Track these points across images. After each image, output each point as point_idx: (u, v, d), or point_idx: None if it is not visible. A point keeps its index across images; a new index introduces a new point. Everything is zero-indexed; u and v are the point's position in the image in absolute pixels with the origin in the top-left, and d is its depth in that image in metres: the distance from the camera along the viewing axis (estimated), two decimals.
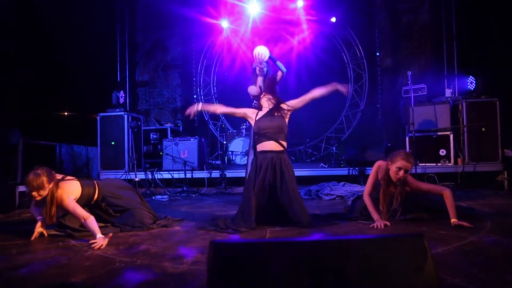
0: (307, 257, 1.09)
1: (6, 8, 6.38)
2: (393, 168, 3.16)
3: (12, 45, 6.62)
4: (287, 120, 3.52)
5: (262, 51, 4.30)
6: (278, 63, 4.66)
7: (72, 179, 3.24)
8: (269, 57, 4.55)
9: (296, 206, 3.27)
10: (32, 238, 3.08)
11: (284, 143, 3.46)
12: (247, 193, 3.38)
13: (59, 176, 3.20)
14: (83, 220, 3.02)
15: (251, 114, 3.54)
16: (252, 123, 3.53)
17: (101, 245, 2.82)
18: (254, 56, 4.30)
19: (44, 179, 2.95)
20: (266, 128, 3.41)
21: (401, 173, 3.11)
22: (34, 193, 2.97)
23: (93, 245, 2.78)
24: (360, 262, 1.13)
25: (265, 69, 4.71)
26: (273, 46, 9.47)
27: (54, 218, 3.05)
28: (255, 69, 4.76)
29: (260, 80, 4.62)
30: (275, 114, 3.47)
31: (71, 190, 3.14)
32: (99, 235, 2.90)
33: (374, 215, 3.23)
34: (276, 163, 3.35)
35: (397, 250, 1.14)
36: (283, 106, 3.52)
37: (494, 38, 6.59)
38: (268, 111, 3.49)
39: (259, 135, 3.45)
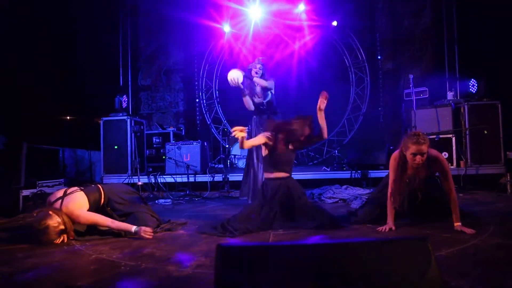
0: (312, 260, 1.11)
1: (6, 8, 6.42)
2: (408, 156, 2.95)
3: (16, 50, 6.68)
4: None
5: (235, 75, 4.48)
6: (255, 79, 4.82)
7: (75, 191, 3.24)
8: (244, 76, 4.77)
9: (318, 213, 3.41)
10: (59, 241, 3.10)
11: (291, 171, 3.63)
12: (251, 207, 3.56)
13: (59, 193, 3.20)
14: (109, 223, 3.13)
15: (267, 142, 3.54)
16: (265, 150, 3.58)
17: (148, 232, 3.07)
18: (230, 81, 4.50)
19: (49, 222, 2.94)
20: (280, 163, 3.53)
21: (418, 158, 2.90)
22: (63, 235, 3.03)
23: (146, 238, 3.05)
24: (364, 266, 1.15)
25: (260, 71, 4.87)
26: (274, 50, 9.51)
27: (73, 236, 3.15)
28: (250, 70, 4.91)
29: (258, 89, 4.81)
30: (290, 147, 3.56)
31: (79, 203, 3.16)
32: (134, 228, 3.08)
33: (389, 219, 3.16)
34: (283, 187, 3.49)
35: (401, 254, 1.16)
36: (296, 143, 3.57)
37: (495, 41, 6.60)
38: (284, 145, 3.54)
39: (271, 166, 3.56)
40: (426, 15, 8.17)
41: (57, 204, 3.12)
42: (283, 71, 9.15)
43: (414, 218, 3.36)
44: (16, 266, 2.49)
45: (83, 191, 3.27)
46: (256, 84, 4.91)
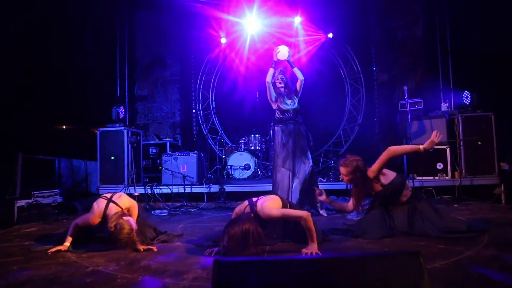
0: (307, 274, 1.13)
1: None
2: None
3: (14, 63, 6.70)
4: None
5: (282, 50, 4.51)
6: (296, 69, 4.77)
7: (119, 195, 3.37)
8: (287, 61, 4.70)
9: None
10: (50, 252, 3.09)
11: None
12: None
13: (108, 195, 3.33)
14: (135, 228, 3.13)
15: None
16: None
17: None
18: (274, 53, 4.59)
19: (126, 225, 2.98)
20: None
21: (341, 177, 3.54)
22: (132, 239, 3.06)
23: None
24: (358, 280, 1.17)
25: (283, 82, 4.82)
26: (271, 61, 9.58)
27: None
28: (274, 83, 4.84)
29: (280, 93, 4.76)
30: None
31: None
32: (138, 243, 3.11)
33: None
34: None
35: (394, 268, 1.18)
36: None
37: (488, 53, 6.70)
38: None
39: None
40: (420, 28, 8.29)
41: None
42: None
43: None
44: (12, 279, 2.48)
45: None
46: (283, 86, 4.78)
